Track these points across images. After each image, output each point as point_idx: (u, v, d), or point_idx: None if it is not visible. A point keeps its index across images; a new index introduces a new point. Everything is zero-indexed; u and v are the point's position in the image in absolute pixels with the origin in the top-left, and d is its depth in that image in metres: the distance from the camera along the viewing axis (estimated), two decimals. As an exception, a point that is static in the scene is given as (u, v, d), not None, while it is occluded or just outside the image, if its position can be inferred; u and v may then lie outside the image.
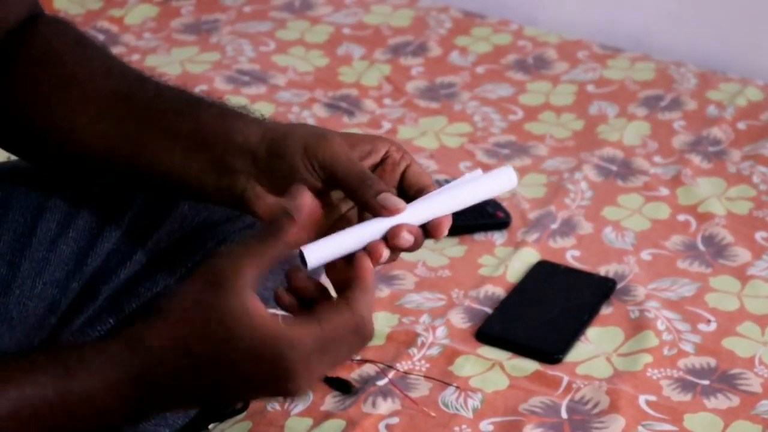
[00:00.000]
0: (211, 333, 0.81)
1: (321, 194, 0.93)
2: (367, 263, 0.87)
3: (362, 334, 0.85)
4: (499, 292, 1.38)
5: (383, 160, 0.94)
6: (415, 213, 0.91)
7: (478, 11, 2.00)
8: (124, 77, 1.02)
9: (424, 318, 1.34)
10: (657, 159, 1.62)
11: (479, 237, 1.48)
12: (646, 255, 1.44)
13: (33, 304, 1.06)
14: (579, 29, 1.97)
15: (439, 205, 0.92)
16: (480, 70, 1.85)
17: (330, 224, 0.94)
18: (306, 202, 0.87)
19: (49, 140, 1.03)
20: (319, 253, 0.87)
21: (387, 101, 1.77)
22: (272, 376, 0.82)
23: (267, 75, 1.82)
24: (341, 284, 0.88)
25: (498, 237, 1.48)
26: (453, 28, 1.96)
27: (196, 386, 0.83)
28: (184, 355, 0.82)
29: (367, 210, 0.91)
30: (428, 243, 1.45)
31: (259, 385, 0.83)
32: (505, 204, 1.52)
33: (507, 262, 1.42)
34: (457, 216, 1.47)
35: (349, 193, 0.92)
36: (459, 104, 1.77)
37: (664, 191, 1.55)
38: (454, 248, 1.46)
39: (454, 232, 1.47)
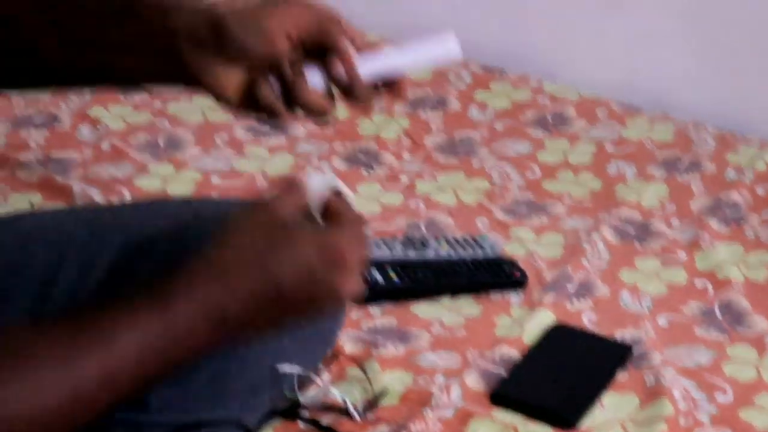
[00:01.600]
0: (278, 242, 0.91)
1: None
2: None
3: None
4: (515, 353, 1.37)
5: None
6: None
7: (498, 66, 2.01)
8: None
9: (439, 378, 1.33)
10: (675, 222, 1.62)
11: (495, 296, 1.48)
12: (662, 320, 1.44)
13: None
14: (598, 86, 1.98)
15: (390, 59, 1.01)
16: (499, 125, 1.86)
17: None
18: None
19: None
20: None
21: (405, 155, 1.77)
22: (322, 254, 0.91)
23: (287, 125, 1.82)
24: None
25: (514, 297, 1.47)
26: (472, 82, 1.96)
27: (264, 275, 0.91)
28: (259, 264, 0.91)
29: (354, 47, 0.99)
30: (444, 301, 1.46)
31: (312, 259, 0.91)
32: (521, 263, 1.52)
33: (523, 323, 1.42)
34: (474, 275, 1.49)
35: (332, 40, 0.99)
36: (477, 160, 1.77)
37: (682, 255, 1.55)
38: (469, 307, 1.46)
39: (470, 290, 1.48)
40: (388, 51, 1.01)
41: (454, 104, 1.91)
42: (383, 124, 1.83)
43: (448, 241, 1.54)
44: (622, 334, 1.41)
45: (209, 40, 0.97)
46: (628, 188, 1.70)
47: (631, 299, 1.47)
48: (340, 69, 0.99)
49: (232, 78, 0.98)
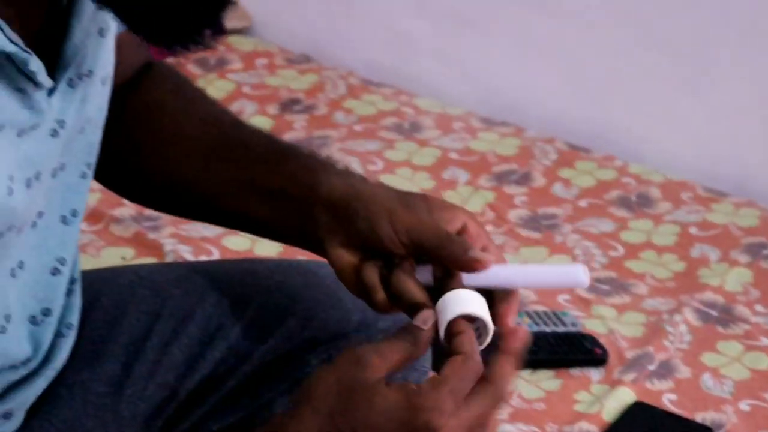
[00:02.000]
0: (354, 406, 0.83)
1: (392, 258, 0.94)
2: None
3: (492, 386, 0.85)
4: (594, 430, 1.38)
5: (459, 232, 0.95)
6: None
7: (584, 145, 2.03)
8: (216, 125, 1.06)
9: (518, 450, 1.34)
10: (758, 308, 1.62)
11: (575, 372, 1.48)
12: (744, 405, 1.43)
13: (143, 404, 1.09)
14: (683, 169, 1.99)
15: (509, 274, 0.92)
16: (583, 203, 1.87)
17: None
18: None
19: (151, 185, 1.07)
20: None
21: (489, 228, 1.79)
22: None
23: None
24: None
25: (594, 373, 1.48)
26: (558, 159, 1.98)
27: None
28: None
29: (458, 268, 0.91)
30: (524, 375, 1.46)
31: None
32: (602, 341, 1.53)
33: (603, 400, 1.42)
34: (554, 349, 1.49)
35: (438, 255, 0.93)
36: (560, 236, 1.78)
37: (765, 341, 1.55)
38: (549, 381, 1.46)
39: (550, 365, 1.49)
40: (514, 267, 0.92)
41: (539, 180, 1.93)
42: (468, 196, 1.86)
43: (530, 315, 1.55)
44: (703, 416, 1.41)
45: (341, 221, 0.97)
46: (712, 272, 1.70)
47: (712, 382, 1.47)
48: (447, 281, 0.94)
49: (349, 258, 0.97)
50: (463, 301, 0.87)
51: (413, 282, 0.92)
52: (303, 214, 0.99)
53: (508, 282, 0.90)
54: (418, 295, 0.91)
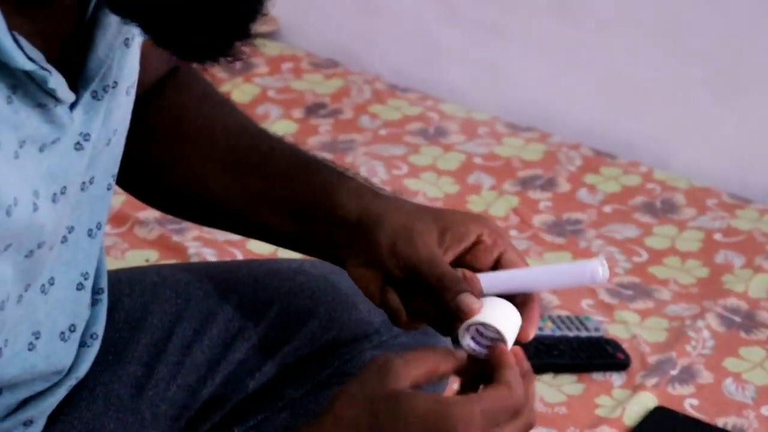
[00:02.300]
0: (381, 414, 0.82)
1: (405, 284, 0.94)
2: (516, 352, 0.87)
3: (523, 415, 0.84)
4: (615, 434, 1.38)
5: (475, 244, 0.94)
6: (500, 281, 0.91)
7: (609, 151, 2.03)
8: (240, 135, 1.06)
9: (539, 454, 1.34)
10: (782, 314, 1.62)
11: (597, 376, 1.48)
12: (766, 410, 1.43)
13: (165, 406, 1.09)
14: (708, 176, 1.98)
15: (527, 277, 0.91)
16: (607, 209, 1.87)
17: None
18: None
19: (172, 191, 1.07)
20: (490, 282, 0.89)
21: (513, 232, 1.79)
22: None
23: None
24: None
25: (616, 378, 1.48)
26: (583, 165, 1.98)
27: None
28: None
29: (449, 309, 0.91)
30: (546, 378, 1.47)
31: None
32: (624, 346, 1.53)
33: (624, 404, 1.42)
34: (577, 354, 1.49)
35: (430, 292, 0.92)
36: (584, 241, 1.78)
37: (788, 347, 1.55)
38: (571, 385, 1.46)
39: (572, 369, 1.49)
40: (531, 270, 0.92)
41: (564, 186, 1.93)
42: (493, 201, 1.86)
43: (552, 320, 1.56)
44: (725, 421, 1.41)
45: (358, 244, 0.96)
46: (735, 278, 1.69)
47: (734, 387, 1.47)
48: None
49: (372, 277, 0.96)
50: (488, 312, 0.87)
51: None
52: (323, 234, 0.99)
53: (526, 286, 0.90)
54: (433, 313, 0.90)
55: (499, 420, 0.82)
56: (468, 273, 0.92)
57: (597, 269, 0.86)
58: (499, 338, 0.86)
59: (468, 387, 0.88)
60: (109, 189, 0.95)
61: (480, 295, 0.90)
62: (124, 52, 0.89)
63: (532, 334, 0.89)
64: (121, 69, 0.89)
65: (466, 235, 0.94)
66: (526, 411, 0.84)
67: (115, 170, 0.96)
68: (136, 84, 0.94)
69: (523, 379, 0.85)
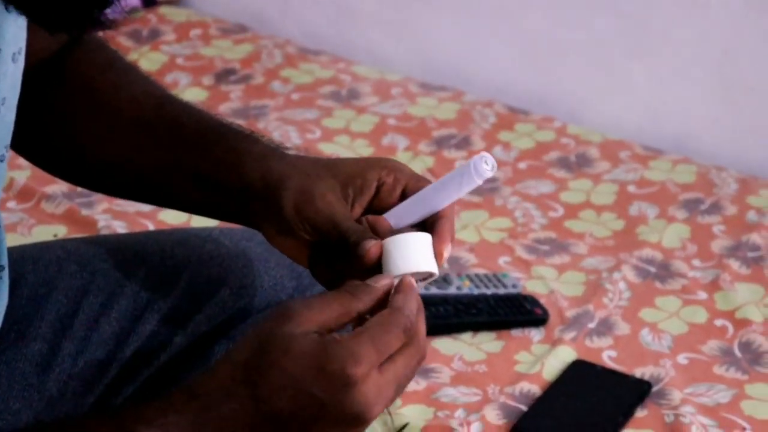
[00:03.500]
0: (268, 352, 0.80)
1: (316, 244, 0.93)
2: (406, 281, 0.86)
3: (416, 341, 0.82)
4: (535, 389, 1.38)
5: (379, 188, 0.93)
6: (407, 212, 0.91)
7: (523, 107, 2.02)
8: (146, 105, 1.03)
9: (459, 412, 1.34)
10: (696, 262, 1.63)
11: (516, 333, 1.48)
12: (682, 359, 1.44)
13: (73, 383, 1.07)
14: (622, 129, 1.99)
15: (425, 203, 0.90)
16: (522, 165, 1.87)
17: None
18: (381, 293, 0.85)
19: (81, 163, 1.05)
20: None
21: (429, 193, 1.78)
22: (337, 397, 0.79)
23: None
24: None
25: (535, 334, 1.48)
26: (497, 122, 1.98)
27: (263, 421, 0.80)
28: (244, 386, 0.80)
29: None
30: (466, 337, 1.46)
31: (325, 410, 0.80)
32: (543, 301, 1.53)
33: (543, 359, 1.42)
34: (495, 311, 1.49)
35: (344, 251, 0.91)
36: (500, 199, 1.78)
37: (702, 295, 1.56)
38: (491, 343, 1.46)
39: (491, 327, 1.49)
40: (426, 189, 0.90)
41: (479, 143, 1.92)
42: (408, 162, 1.85)
43: (470, 278, 1.55)
44: (642, 371, 1.41)
45: (269, 210, 0.94)
46: (650, 229, 1.70)
47: (651, 337, 1.48)
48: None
49: (292, 243, 0.93)
50: (409, 255, 0.86)
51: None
52: (234, 202, 0.97)
53: (429, 206, 0.89)
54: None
55: (391, 347, 0.80)
56: (371, 217, 0.91)
57: (479, 164, 0.87)
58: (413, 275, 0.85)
59: None
60: (2, 161, 0.92)
61: (389, 233, 0.89)
62: (4, 16, 0.87)
63: (444, 251, 0.87)
64: (2, 35, 0.87)
65: (366, 185, 0.93)
66: (419, 338, 0.82)
67: (8, 140, 0.93)
68: (24, 51, 0.92)
69: (409, 300, 0.83)
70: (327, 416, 0.80)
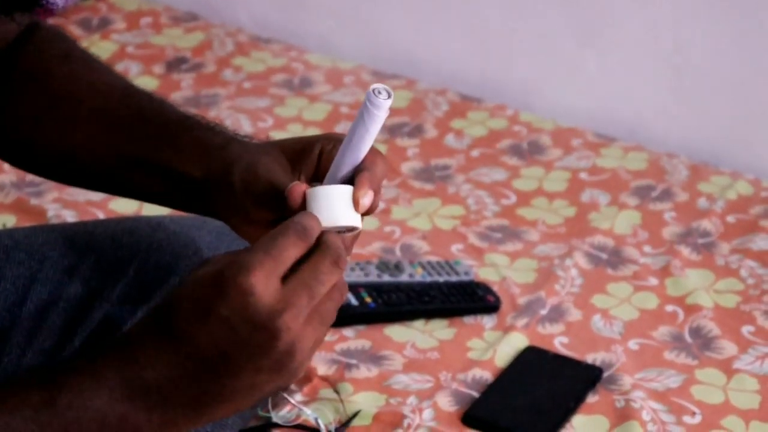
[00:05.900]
0: (203, 297, 0.78)
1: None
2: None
3: (323, 245, 0.81)
4: (487, 376, 1.38)
5: (321, 157, 0.93)
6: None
7: (476, 95, 2.03)
8: (107, 96, 1.03)
9: (411, 399, 1.34)
10: (647, 249, 1.64)
11: (468, 320, 1.48)
12: (633, 344, 1.45)
13: (21, 373, 1.06)
14: (574, 117, 2.00)
15: (345, 158, 0.89)
16: (475, 153, 1.87)
17: None
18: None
19: (38, 153, 1.04)
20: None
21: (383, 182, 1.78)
22: (240, 313, 0.77)
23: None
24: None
25: (487, 321, 1.48)
26: (450, 110, 1.98)
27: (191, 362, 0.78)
28: (161, 326, 0.78)
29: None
30: (418, 325, 1.47)
31: (237, 334, 0.77)
32: (495, 288, 1.53)
33: (495, 346, 1.43)
34: (447, 299, 1.49)
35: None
36: (453, 187, 1.78)
37: (653, 281, 1.56)
38: (443, 330, 1.46)
39: (444, 314, 1.49)
40: (343, 149, 0.89)
41: (431, 132, 1.92)
42: (360, 150, 1.84)
43: (422, 266, 1.55)
44: (594, 357, 1.42)
45: (225, 196, 0.94)
46: (602, 216, 1.71)
47: (602, 323, 1.49)
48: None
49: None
50: (330, 207, 0.85)
51: None
52: (199, 192, 0.97)
53: (349, 159, 0.88)
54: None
55: (286, 251, 0.79)
56: (299, 181, 0.90)
57: (371, 96, 0.85)
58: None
59: None
60: None
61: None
62: None
63: (361, 198, 0.86)
64: None
65: (307, 153, 0.93)
66: (327, 243, 0.81)
67: None
68: None
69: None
70: (248, 345, 0.77)
